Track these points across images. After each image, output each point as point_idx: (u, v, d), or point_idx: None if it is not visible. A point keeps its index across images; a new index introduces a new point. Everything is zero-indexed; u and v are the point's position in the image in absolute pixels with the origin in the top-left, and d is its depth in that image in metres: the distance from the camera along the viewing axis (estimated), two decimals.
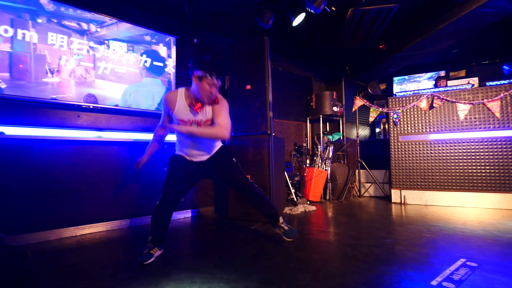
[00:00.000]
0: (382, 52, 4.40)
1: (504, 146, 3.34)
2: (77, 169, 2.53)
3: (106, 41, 2.71)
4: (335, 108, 4.58)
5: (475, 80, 4.11)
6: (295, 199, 3.78)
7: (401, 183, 3.85)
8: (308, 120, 4.91)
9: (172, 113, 1.83)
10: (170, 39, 3.15)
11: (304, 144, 4.55)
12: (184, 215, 3.18)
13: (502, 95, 3.36)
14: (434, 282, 1.39)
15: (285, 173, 3.81)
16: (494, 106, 3.39)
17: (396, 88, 5.63)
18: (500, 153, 3.35)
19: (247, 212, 2.92)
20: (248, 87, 3.07)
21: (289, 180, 3.91)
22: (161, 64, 3.08)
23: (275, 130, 4.38)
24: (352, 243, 2.10)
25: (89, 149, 2.61)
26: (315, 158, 4.35)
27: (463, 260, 1.67)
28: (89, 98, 2.59)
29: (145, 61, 2.96)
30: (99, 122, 2.70)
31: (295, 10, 3.07)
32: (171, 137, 3.11)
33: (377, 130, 6.07)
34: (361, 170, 4.62)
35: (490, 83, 3.65)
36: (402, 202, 3.80)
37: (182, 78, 3.34)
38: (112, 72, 2.74)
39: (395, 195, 3.88)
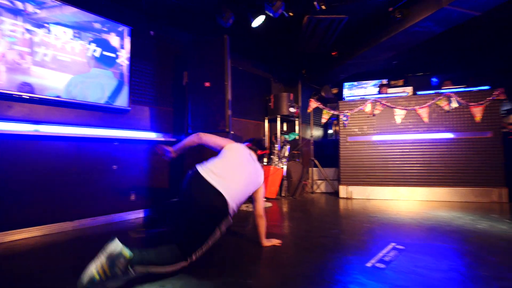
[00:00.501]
0: (335, 58, 4.75)
1: (430, 147, 3.90)
2: (7, 165, 2.23)
3: (47, 25, 2.44)
4: (292, 109, 4.80)
5: (410, 89, 4.69)
6: None
7: (348, 180, 4.21)
8: (266, 120, 5.06)
9: None
10: (124, 29, 2.96)
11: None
12: (135, 216, 3.03)
13: (429, 103, 3.91)
14: (369, 264, 1.58)
15: None
16: (423, 112, 3.93)
17: (346, 93, 6.12)
18: (427, 153, 3.90)
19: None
20: (207, 84, 3.06)
21: None
22: (113, 55, 2.88)
23: (234, 129, 4.41)
24: (304, 235, 2.25)
25: (24, 144, 2.32)
26: (272, 156, 4.51)
27: (394, 244, 1.92)
28: (24, 87, 2.30)
29: (94, 50, 2.74)
30: (36, 114, 2.41)
31: (254, 11, 3.15)
32: (125, 134, 2.93)
33: (330, 131, 6.52)
34: (314, 168, 4.93)
35: (421, 92, 4.21)
36: (349, 197, 4.17)
37: (137, 71, 3.16)
38: (54, 59, 2.47)
39: (343, 190, 4.23)
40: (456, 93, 3.85)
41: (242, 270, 1.54)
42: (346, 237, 2.14)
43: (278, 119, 4.77)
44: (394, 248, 1.84)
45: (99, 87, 2.76)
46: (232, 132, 3.09)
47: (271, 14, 3.01)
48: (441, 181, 3.81)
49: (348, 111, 4.28)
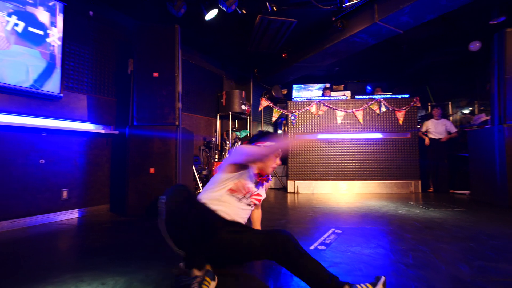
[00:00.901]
0: (285, 60, 5.00)
1: (365, 145, 4.41)
2: None
3: None
4: (243, 107, 4.88)
5: (348, 93, 5.23)
6: None
7: (295, 176, 4.48)
8: (218, 116, 5.03)
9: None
10: (56, 4, 2.60)
11: (214, 139, 4.63)
12: (68, 216, 2.69)
13: (364, 106, 4.42)
14: (312, 247, 1.72)
15: (193, 166, 3.79)
16: (359, 114, 4.42)
17: (294, 94, 6.48)
18: (362, 151, 4.41)
19: (150, 206, 2.74)
20: (156, 74, 2.90)
21: (197, 174, 3.91)
22: (41, 33, 2.50)
23: (185, 124, 4.28)
24: None
25: None
26: (223, 153, 4.51)
27: (333, 229, 2.13)
28: None
29: (15, 24, 2.34)
30: None
31: (208, 3, 3.11)
32: (56, 124, 2.57)
33: (279, 131, 6.81)
34: None
35: (358, 96, 4.73)
36: (296, 191, 4.43)
37: (73, 54, 2.82)
38: None
39: (290, 186, 4.48)
40: (384, 99, 4.44)
41: None
42: (292, 225, 2.28)
43: (230, 116, 4.79)
44: (333, 233, 2.04)
45: (22, 67, 2.38)
46: (182, 126, 2.99)
47: (224, 9, 3.01)
48: (372, 175, 4.35)
49: (296, 111, 4.54)
